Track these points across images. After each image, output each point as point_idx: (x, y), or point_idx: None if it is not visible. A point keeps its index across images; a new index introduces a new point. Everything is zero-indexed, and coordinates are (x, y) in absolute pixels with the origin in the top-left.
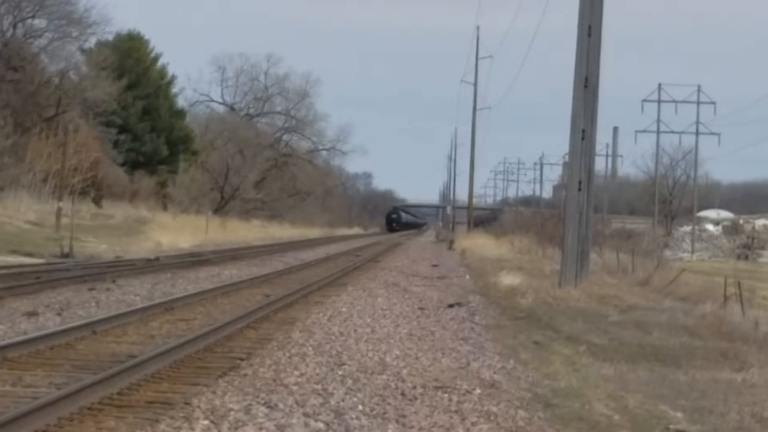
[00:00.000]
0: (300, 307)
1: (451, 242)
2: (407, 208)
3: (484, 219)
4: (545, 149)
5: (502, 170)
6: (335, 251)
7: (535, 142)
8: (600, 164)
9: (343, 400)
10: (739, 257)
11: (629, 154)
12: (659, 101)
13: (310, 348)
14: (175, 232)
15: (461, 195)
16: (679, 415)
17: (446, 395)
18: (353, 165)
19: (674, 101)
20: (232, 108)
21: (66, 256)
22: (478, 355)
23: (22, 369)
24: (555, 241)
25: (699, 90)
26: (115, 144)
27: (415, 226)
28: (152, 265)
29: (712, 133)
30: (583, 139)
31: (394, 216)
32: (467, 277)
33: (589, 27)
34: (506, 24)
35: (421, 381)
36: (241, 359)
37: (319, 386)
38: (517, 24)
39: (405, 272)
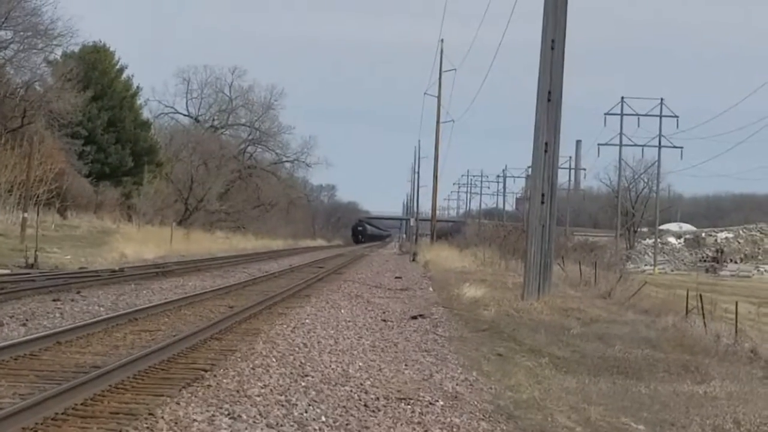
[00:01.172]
0: (264, 318)
1: (415, 254)
2: (372, 220)
3: (448, 231)
4: (508, 162)
5: (465, 183)
6: (299, 263)
7: (498, 155)
8: (563, 177)
9: (306, 412)
10: (707, 270)
11: (592, 167)
12: (622, 114)
13: (274, 359)
14: (139, 243)
15: (425, 207)
16: (641, 427)
17: (409, 407)
18: (317, 177)
19: (637, 114)
20: (196, 120)
21: (31, 266)
22: (440, 366)
23: None
24: (518, 253)
25: (662, 103)
26: (80, 155)
27: (379, 238)
28: (117, 276)
29: (675, 147)
30: (545, 151)
31: (360, 228)
32: (430, 289)
33: (552, 41)
34: (470, 38)
35: (384, 392)
36: (205, 370)
37: (282, 397)
38: (481, 38)
39: (368, 284)
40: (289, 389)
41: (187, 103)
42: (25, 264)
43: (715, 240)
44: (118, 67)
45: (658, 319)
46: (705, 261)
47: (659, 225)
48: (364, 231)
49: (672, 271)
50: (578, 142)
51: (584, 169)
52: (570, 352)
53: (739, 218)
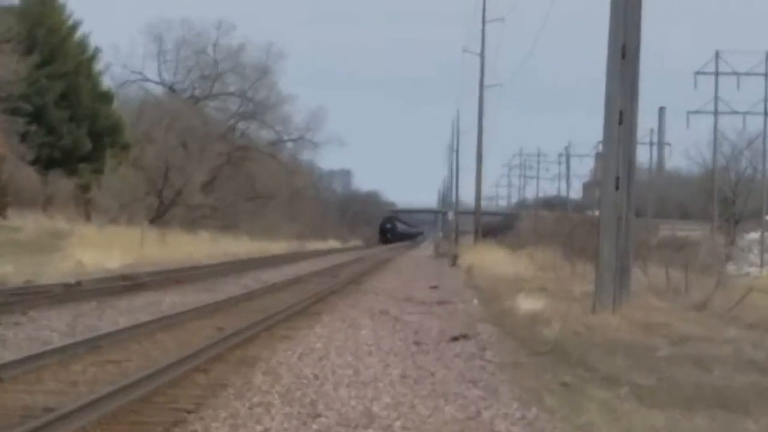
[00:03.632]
0: (263, 343)
1: (455, 257)
2: (400, 214)
3: (496, 227)
4: (572, 137)
5: (517, 164)
6: (306, 271)
7: (559, 128)
8: (643, 155)
9: None
10: None
11: (680, 141)
12: (717, 73)
13: (276, 396)
14: (101, 248)
15: (466, 197)
16: None
17: None
18: (328, 160)
19: (736, 73)
20: (172, 89)
21: None
22: (491, 401)
23: None
24: (587, 254)
25: (767, 58)
26: (24, 137)
27: (410, 237)
28: (73, 292)
29: None
30: (620, 123)
31: (389, 226)
32: (475, 301)
33: None
34: None
35: None
36: (189, 411)
37: None
38: None
39: (395, 296)
40: None
41: (159, 67)
42: None
43: None
44: (70, 23)
45: None
46: None
47: (767, 214)
48: (394, 229)
49: None
50: (662, 109)
51: (670, 145)
52: (656, 379)
53: None
